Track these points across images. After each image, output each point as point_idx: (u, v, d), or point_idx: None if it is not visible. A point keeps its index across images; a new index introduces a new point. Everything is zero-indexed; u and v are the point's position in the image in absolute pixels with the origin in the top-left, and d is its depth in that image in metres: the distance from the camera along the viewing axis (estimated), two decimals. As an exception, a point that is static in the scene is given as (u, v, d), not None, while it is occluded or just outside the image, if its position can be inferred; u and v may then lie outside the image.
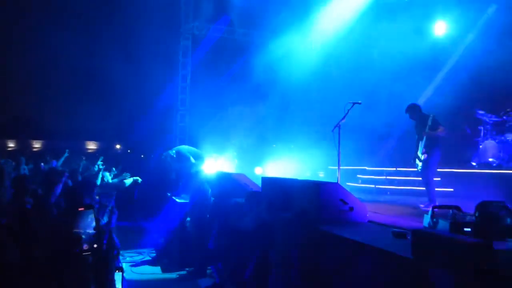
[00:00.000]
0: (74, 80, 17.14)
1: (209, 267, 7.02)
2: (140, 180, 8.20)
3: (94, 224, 2.04)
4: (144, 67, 15.19)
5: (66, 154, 8.16)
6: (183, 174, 10.24)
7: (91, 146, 22.72)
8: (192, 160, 9.40)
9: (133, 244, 9.15)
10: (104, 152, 19.27)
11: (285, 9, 13.27)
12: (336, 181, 6.38)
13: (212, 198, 7.20)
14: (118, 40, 15.36)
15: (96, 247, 2.02)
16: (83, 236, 2.02)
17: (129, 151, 20.33)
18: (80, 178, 7.12)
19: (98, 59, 16.84)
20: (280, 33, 13.85)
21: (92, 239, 2.03)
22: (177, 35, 14.89)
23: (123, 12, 14.95)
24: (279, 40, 13.79)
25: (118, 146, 20.61)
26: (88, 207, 2.03)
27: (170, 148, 9.80)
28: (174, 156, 9.58)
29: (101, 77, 17.42)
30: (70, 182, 5.82)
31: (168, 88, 15.21)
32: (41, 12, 15.33)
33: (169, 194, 9.20)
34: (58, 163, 8.16)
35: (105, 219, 5.55)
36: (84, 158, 10.91)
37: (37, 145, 21.19)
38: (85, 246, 1.98)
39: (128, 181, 8.38)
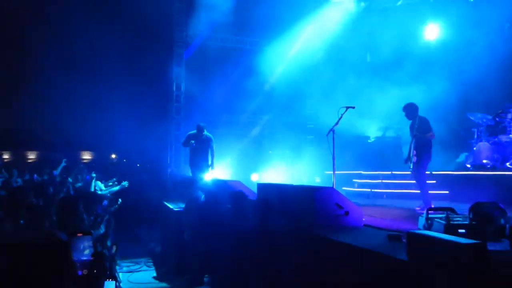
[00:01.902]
0: (68, 90, 17.09)
1: (206, 275, 6.99)
2: (127, 184, 8.02)
3: (91, 250, 1.98)
4: (137, 75, 15.20)
5: (63, 164, 8.11)
6: (179, 181, 10.21)
7: (86, 156, 22.62)
8: None
9: (130, 253, 9.11)
10: (100, 161, 19.22)
11: (278, 15, 13.33)
12: (332, 186, 6.39)
13: (207, 205, 7.18)
14: (111, 49, 15.34)
15: (90, 273, 1.97)
16: (78, 264, 1.97)
17: (124, 160, 20.26)
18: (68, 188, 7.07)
19: (91, 68, 16.84)
20: (274, 39, 13.93)
21: (87, 265, 1.98)
22: (170, 44, 14.92)
23: (116, 20, 14.97)
24: (273, 46, 13.87)
25: (113, 156, 20.53)
26: (86, 233, 1.99)
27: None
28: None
29: (95, 86, 17.40)
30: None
31: (162, 96, 15.21)
32: (33, 19, 15.31)
33: (165, 203, 9.17)
34: (56, 173, 8.11)
35: (102, 229, 5.53)
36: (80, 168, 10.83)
37: (32, 156, 21.09)
38: (80, 273, 1.94)
39: (116, 188, 8.30)
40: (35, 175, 8.11)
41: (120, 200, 7.28)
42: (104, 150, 20.55)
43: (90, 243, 1.98)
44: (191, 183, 7.87)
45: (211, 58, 14.48)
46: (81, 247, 1.99)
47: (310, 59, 13.27)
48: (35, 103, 16.57)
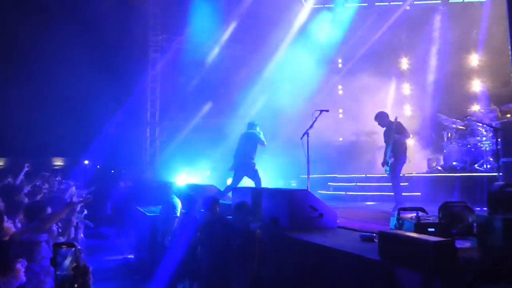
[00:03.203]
0: (38, 95, 16.62)
1: (181, 283, 6.87)
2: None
3: (73, 263, 1.88)
4: (111, 80, 14.91)
5: (25, 169, 7.75)
6: (155, 186, 10.01)
7: (58, 162, 22.02)
8: None
9: (104, 261, 8.90)
10: (72, 168, 18.70)
11: (259, 21, 13.33)
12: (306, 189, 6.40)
13: (183, 211, 7.08)
14: (84, 53, 15.01)
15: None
16: (57, 277, 1.88)
17: (98, 166, 19.82)
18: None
19: (64, 72, 16.43)
20: (249, 44, 13.93)
21: (68, 279, 1.88)
22: (145, 47, 14.75)
23: (90, 24, 14.69)
24: (248, 51, 13.86)
25: (86, 162, 20.02)
26: (70, 245, 1.87)
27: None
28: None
29: (66, 91, 16.98)
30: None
31: (137, 101, 14.99)
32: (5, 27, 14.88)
33: (138, 208, 9.01)
34: (18, 180, 7.77)
35: (71, 234, 5.38)
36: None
37: (0, 162, 20.39)
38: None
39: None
40: None
41: (85, 211, 7.03)
42: (76, 156, 20.00)
43: (73, 257, 1.87)
44: (166, 188, 7.70)
45: (187, 62, 14.33)
46: (64, 260, 1.88)
47: (284, 63, 13.32)
48: (3, 108, 16.03)
